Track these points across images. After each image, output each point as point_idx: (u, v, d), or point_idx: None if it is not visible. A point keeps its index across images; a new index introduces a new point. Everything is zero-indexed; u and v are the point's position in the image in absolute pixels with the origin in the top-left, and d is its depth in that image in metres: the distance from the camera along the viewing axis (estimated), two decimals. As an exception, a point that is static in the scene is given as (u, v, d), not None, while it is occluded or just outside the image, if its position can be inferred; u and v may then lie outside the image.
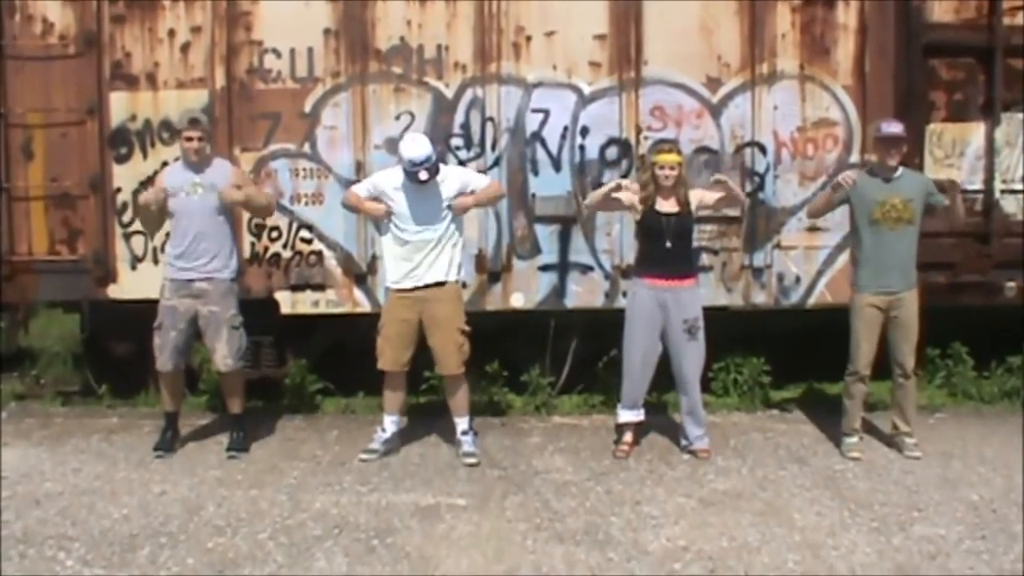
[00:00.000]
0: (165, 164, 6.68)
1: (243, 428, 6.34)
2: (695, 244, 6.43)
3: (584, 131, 6.88)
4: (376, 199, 5.96)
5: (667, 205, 5.90)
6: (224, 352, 6.11)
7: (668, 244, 5.87)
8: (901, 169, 5.92)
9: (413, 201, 5.87)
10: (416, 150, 5.72)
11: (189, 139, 6.00)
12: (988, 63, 6.84)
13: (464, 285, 6.25)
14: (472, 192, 5.97)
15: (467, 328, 6.03)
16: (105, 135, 6.85)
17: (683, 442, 6.16)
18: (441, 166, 5.95)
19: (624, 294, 6.60)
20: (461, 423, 6.11)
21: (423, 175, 5.71)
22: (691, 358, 5.99)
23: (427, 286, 5.92)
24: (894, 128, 5.86)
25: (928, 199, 5.88)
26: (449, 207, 5.88)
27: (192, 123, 6.05)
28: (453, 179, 5.96)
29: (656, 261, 5.94)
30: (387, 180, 5.97)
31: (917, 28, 6.76)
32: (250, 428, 6.42)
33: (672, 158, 5.84)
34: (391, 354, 6.01)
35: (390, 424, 6.16)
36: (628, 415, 6.10)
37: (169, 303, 6.07)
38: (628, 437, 6.14)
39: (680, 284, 5.93)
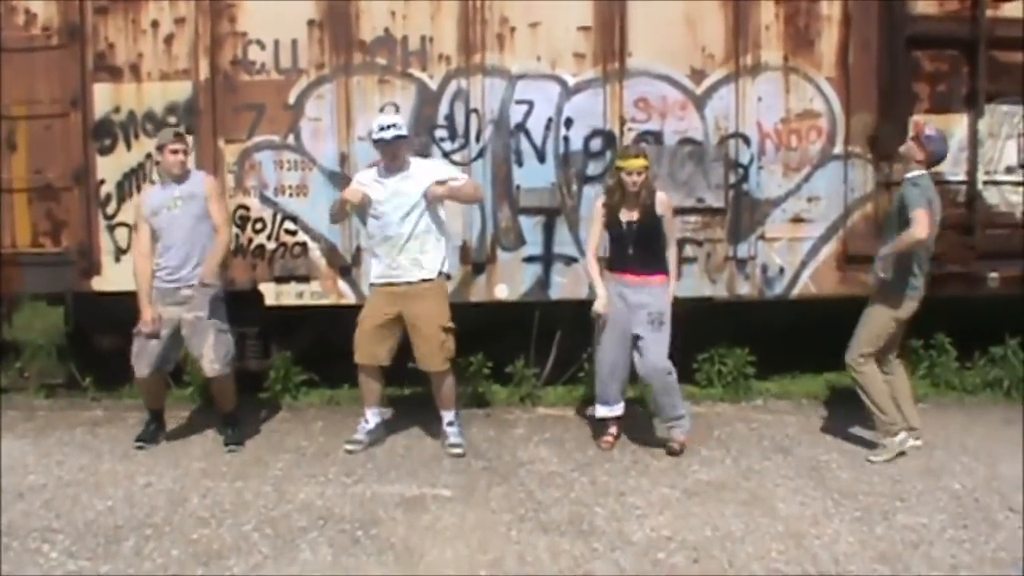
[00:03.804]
0: (149, 156, 6.70)
1: (236, 423, 6.34)
2: (680, 235, 6.48)
3: (568, 122, 6.86)
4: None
5: (630, 214, 5.84)
6: (212, 357, 6.04)
7: (631, 251, 5.86)
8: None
9: (390, 193, 5.87)
10: (384, 118, 5.95)
11: (175, 151, 5.96)
12: (971, 55, 6.85)
13: (448, 277, 6.17)
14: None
15: (451, 325, 5.99)
16: (89, 127, 6.82)
17: (661, 433, 6.14)
18: (418, 160, 5.97)
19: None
20: (447, 415, 6.12)
21: (389, 134, 5.74)
22: (655, 344, 5.81)
23: (409, 283, 5.90)
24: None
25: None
26: (425, 195, 5.84)
27: (177, 137, 6.01)
28: (430, 172, 5.93)
29: (621, 261, 5.93)
30: (366, 175, 6.00)
31: (900, 20, 6.77)
32: (241, 421, 6.42)
33: (639, 163, 5.76)
34: (367, 348, 5.99)
35: (372, 416, 6.17)
36: (605, 411, 6.09)
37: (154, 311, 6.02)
38: (612, 429, 6.14)
39: (647, 280, 5.86)
